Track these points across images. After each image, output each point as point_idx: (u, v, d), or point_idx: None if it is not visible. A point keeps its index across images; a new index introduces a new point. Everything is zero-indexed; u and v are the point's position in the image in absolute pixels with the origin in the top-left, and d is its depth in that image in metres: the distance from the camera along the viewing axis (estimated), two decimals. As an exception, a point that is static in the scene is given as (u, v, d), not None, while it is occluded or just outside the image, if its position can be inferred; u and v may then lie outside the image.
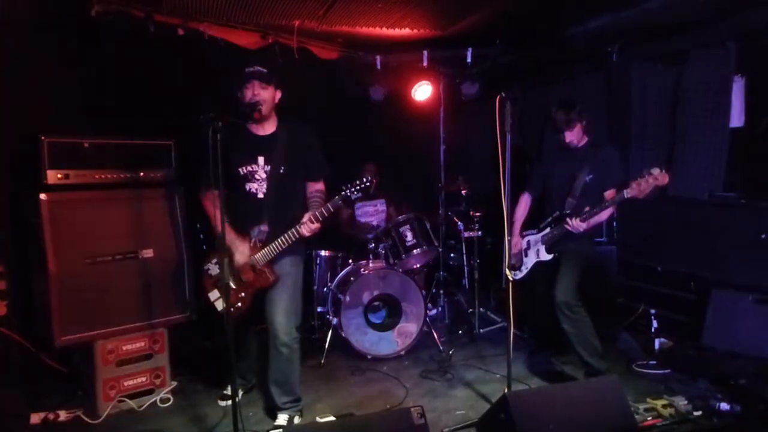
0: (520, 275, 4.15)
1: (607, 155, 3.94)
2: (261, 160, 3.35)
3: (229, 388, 3.61)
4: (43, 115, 4.01)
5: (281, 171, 3.36)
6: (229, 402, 3.48)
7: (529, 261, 4.11)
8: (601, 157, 3.92)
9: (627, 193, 3.56)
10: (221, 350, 3.80)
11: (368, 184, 3.26)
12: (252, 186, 3.36)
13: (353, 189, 3.25)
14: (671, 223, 4.64)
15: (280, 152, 3.36)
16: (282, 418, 3.51)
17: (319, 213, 3.26)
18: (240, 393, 3.81)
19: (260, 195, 3.36)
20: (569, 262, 3.93)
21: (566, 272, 3.90)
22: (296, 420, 3.54)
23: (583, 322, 3.86)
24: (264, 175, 3.36)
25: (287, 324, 3.41)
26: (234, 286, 3.37)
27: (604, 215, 3.80)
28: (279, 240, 3.31)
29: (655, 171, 3.45)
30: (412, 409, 2.77)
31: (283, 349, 3.42)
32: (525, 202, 4.31)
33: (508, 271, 3.54)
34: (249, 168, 3.35)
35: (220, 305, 3.48)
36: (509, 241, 3.61)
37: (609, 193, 3.83)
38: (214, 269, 3.51)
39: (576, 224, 3.75)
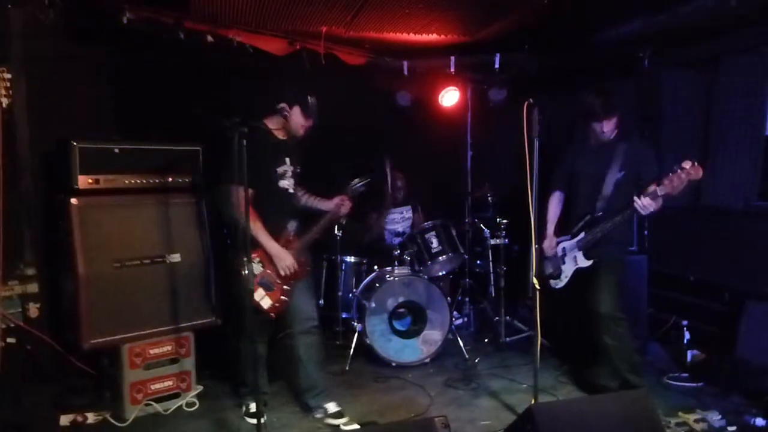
0: (560, 284, 3.98)
1: (641, 151, 3.76)
2: (288, 160, 3.67)
3: (249, 404, 3.71)
4: (77, 121, 4.08)
5: (298, 170, 3.76)
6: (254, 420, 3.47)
7: (568, 269, 3.93)
8: (633, 153, 3.73)
9: (660, 191, 3.36)
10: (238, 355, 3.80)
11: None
12: (284, 183, 3.66)
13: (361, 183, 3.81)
14: (704, 232, 4.54)
15: (297, 154, 3.76)
16: (332, 406, 3.72)
17: (349, 195, 3.80)
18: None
19: (290, 190, 3.70)
20: (610, 272, 3.77)
21: (608, 283, 3.75)
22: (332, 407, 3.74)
23: (626, 336, 3.76)
24: (290, 173, 3.69)
25: (316, 308, 3.84)
26: (279, 282, 3.56)
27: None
28: (317, 227, 3.71)
29: (687, 164, 3.27)
30: (436, 419, 2.73)
31: (316, 331, 3.75)
32: (558, 200, 4.13)
33: (535, 280, 3.48)
34: (283, 168, 3.64)
35: (266, 303, 3.54)
36: (537, 249, 3.52)
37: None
38: (256, 268, 3.53)
39: (646, 203, 3.41)
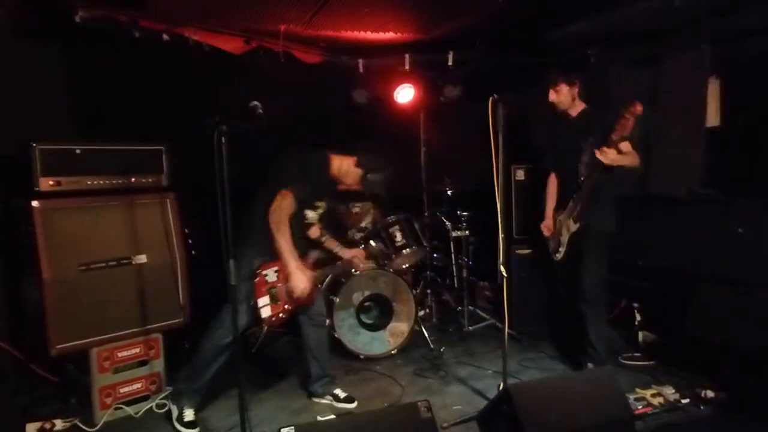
0: (559, 255, 4.17)
1: (609, 123, 3.74)
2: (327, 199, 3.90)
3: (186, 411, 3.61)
4: (33, 122, 3.96)
5: (327, 209, 3.97)
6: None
7: (564, 238, 4.10)
8: (596, 121, 3.86)
9: (615, 136, 3.55)
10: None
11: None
12: (309, 213, 3.80)
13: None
14: (651, 219, 4.78)
15: (334, 196, 4.03)
16: (340, 392, 3.90)
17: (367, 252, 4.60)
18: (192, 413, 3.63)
19: (309, 221, 3.86)
20: (596, 244, 3.95)
21: (594, 256, 3.94)
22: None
23: (602, 306, 4.03)
24: (321, 209, 3.87)
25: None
26: (285, 299, 3.54)
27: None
28: (332, 270, 4.28)
29: (628, 107, 3.46)
30: (419, 404, 2.81)
31: (325, 324, 3.97)
32: (553, 179, 4.33)
33: (503, 268, 3.61)
34: (319, 202, 3.82)
35: (265, 312, 3.47)
36: (503, 239, 3.64)
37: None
38: (272, 276, 3.52)
39: (607, 150, 3.61)
